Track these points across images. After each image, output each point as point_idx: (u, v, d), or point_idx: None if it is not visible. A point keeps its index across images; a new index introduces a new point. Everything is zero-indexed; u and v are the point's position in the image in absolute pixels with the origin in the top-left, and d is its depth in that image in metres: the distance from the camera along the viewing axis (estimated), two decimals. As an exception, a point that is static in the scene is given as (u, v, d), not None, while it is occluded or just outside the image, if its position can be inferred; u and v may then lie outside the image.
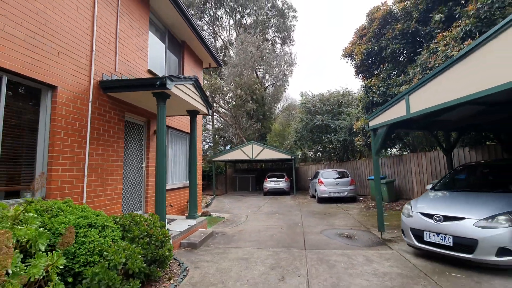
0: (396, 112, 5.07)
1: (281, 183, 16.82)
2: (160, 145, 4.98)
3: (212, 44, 34.34)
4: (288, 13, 35.19)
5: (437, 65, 5.56)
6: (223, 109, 29.96)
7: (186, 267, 4.05)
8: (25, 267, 2.00)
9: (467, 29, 5.08)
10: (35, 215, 2.47)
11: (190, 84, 5.79)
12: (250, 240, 5.79)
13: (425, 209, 4.33)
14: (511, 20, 2.78)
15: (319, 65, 74.31)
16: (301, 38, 68.45)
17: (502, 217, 3.58)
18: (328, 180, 12.43)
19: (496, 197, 4.06)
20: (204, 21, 34.01)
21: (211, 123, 33.26)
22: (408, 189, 11.12)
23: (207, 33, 34.59)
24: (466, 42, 4.99)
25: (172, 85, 4.85)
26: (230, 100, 28.55)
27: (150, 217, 3.74)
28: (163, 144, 5.01)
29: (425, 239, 4.13)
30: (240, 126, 26.96)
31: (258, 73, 31.53)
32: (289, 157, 17.32)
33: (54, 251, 2.28)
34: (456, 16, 6.01)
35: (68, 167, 4.19)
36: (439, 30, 6.48)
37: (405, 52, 7.58)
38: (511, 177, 4.59)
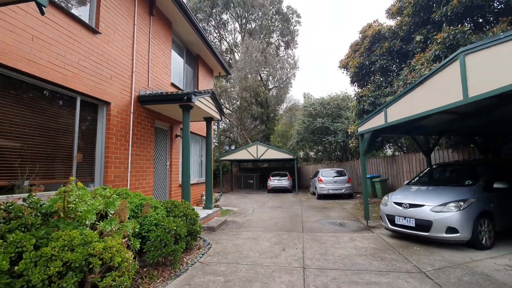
0: (377, 121, 6.21)
1: (284, 182, 17.95)
2: (186, 148, 6.19)
3: (218, 47, 35.60)
4: (292, 18, 36.18)
5: (413, 81, 6.67)
6: (228, 110, 31.14)
7: (209, 243, 5.25)
8: (120, 226, 3.19)
9: (436, 53, 6.18)
10: (117, 196, 3.67)
11: (208, 96, 6.99)
12: (257, 226, 6.97)
13: (397, 199, 5.47)
14: (445, 62, 3.90)
15: (322, 65, 75.19)
16: (304, 39, 69.47)
17: (451, 204, 4.70)
18: (327, 179, 13.54)
19: (451, 190, 5.18)
20: (210, 25, 35.21)
21: (217, 124, 34.50)
22: (399, 186, 12.19)
23: (213, 36, 35.82)
24: (434, 64, 6.10)
25: (195, 99, 6.05)
26: (235, 102, 29.78)
27: (183, 203, 4.93)
28: (188, 147, 6.22)
29: (395, 222, 5.28)
30: (245, 127, 28.17)
31: (262, 75, 32.66)
32: (291, 157, 18.43)
33: (132, 219, 3.48)
34: (429, 41, 7.11)
35: (118, 165, 5.41)
36: (419, 49, 7.56)
37: (391, 67, 8.70)
38: (467, 174, 5.71)
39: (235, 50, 36.01)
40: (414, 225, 4.95)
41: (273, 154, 18.54)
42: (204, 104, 6.84)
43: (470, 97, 3.81)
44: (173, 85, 7.89)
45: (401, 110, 5.33)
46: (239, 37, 35.88)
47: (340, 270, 3.81)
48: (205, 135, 8.86)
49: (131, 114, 5.85)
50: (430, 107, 4.49)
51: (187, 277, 3.60)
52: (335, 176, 13.63)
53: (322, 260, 4.26)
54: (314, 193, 15.15)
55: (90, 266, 2.49)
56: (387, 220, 5.54)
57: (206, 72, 10.89)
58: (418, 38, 7.57)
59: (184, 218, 4.44)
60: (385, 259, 4.24)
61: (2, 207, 2.59)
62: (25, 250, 2.36)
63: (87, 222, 2.84)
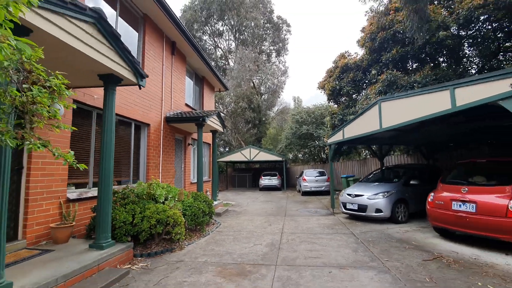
0: (339, 137, 8.66)
1: (274, 181, 20.35)
2: (200, 154, 8.49)
3: (213, 54, 37.77)
4: (282, 27, 38.59)
5: (366, 106, 9.14)
6: (222, 114, 33.26)
7: (219, 222, 7.58)
8: (175, 204, 5.48)
9: (380, 89, 8.67)
10: (162, 186, 5.96)
11: (215, 115, 9.31)
12: (252, 213, 9.33)
13: (348, 191, 7.94)
14: (371, 105, 6.36)
15: (311, 67, 78.16)
16: (294, 43, 72.33)
17: (379, 194, 7.17)
18: (310, 178, 16.00)
19: (382, 185, 7.66)
20: (206, 33, 37.26)
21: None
22: (368, 184, 14.77)
23: (209, 44, 37.91)
24: (378, 96, 8.59)
25: (207, 119, 8.36)
26: (229, 105, 32.00)
27: (202, 194, 7.24)
28: (201, 153, 8.52)
29: (347, 207, 7.73)
30: (239, 130, 30.49)
31: (255, 81, 34.94)
32: (280, 159, 20.85)
33: (177, 202, 5.78)
34: (380, 73, 9.66)
35: (154, 167, 7.66)
36: (374, 79, 10.05)
37: (354, 93, 11.21)
38: (397, 175, 8.22)
39: (229, 56, 38.19)
40: (357, 208, 7.41)
41: (264, 156, 20.91)
42: (212, 121, 9.14)
43: (383, 128, 6.28)
44: (186, 105, 10.16)
45: (351, 130, 7.79)
46: (233, 44, 38.07)
47: (303, 233, 6.21)
48: (210, 143, 11.15)
49: (161, 131, 8.11)
50: (365, 131, 6.97)
51: (210, 237, 5.93)
52: (316, 176, 16.09)
53: (294, 229, 6.65)
54: (299, 191, 17.58)
55: (167, 222, 4.79)
56: (342, 206, 8.00)
57: (209, 90, 13.17)
58: (373, 71, 10.09)
59: (205, 202, 6.75)
60: (334, 228, 6.67)
61: (120, 192, 4.87)
62: (135, 213, 4.64)
63: (160, 200, 5.13)
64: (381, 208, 7.03)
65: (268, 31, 37.61)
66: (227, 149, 32.94)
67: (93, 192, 5.26)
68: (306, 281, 3.49)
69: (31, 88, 1.96)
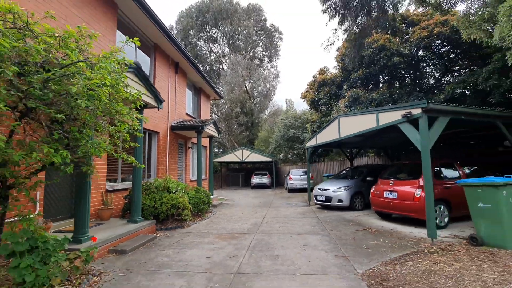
0: (313, 142, 10.60)
1: (264, 180, 22.23)
2: (199, 156, 10.32)
3: (208, 58, 39.48)
4: (275, 34, 40.49)
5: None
6: (216, 116, 34.97)
7: (215, 211, 9.43)
8: (183, 194, 7.32)
9: (347, 103, 10.65)
10: (173, 181, 7.78)
11: (212, 124, 11.15)
12: (242, 205, 11.20)
13: (320, 186, 9.89)
14: (333, 118, 8.31)
15: (304, 67, 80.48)
16: (287, 43, 74.58)
17: (341, 188, 9.13)
18: (295, 176, 17.93)
19: (345, 181, 9.62)
20: (201, 39, 38.91)
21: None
22: (345, 182, 16.79)
23: (204, 49, 39.55)
24: (346, 110, 10.55)
25: (206, 127, 10.21)
26: (223, 109, 33.76)
27: (202, 188, 9.08)
28: (200, 156, 10.35)
29: (318, 199, 9.68)
30: (232, 133, 32.28)
31: (248, 85, 36.74)
32: (270, 159, 22.76)
33: (184, 193, 7.62)
34: (351, 88, 11.68)
35: (162, 167, 9.45)
36: (346, 93, 12.03)
37: (329, 104, 13.22)
38: (358, 173, 10.20)
39: (223, 60, 39.92)
40: (325, 199, 9.36)
41: (256, 157, 22.78)
42: (209, 129, 10.98)
43: (341, 137, 8.24)
44: (187, 114, 11.96)
45: (322, 137, 9.75)
46: (226, 49, 39.79)
47: (280, 218, 8.11)
48: (207, 146, 12.98)
49: (168, 137, 9.91)
50: (330, 138, 8.92)
51: (209, 220, 7.78)
52: (301, 175, 18.03)
53: (274, 215, 8.56)
54: (286, 188, 19.50)
55: (178, 206, 6.61)
56: (314, 198, 9.94)
57: (206, 99, 14.99)
58: (345, 87, 12.09)
59: (204, 194, 8.60)
60: (305, 214, 8.60)
61: (144, 185, 6.68)
62: (156, 200, 6.46)
63: (172, 191, 6.96)
64: (342, 199, 8.99)
65: (261, 37, 39.42)
66: (221, 150, 34.66)
67: (121, 185, 7.07)
68: (273, 240, 5.38)
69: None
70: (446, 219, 6.19)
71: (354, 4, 8.90)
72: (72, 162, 2.98)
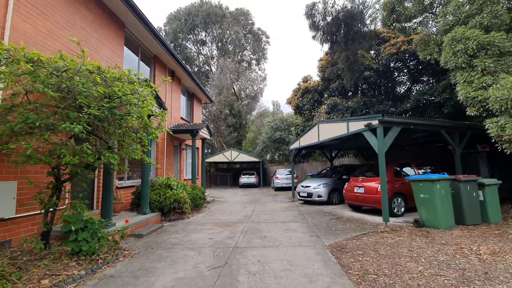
0: (297, 144, 11.87)
1: (252, 179, 23.36)
2: (193, 157, 11.33)
3: (196, 60, 40.20)
4: (262, 38, 41.74)
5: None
6: (204, 117, 35.74)
7: (209, 206, 10.48)
8: (183, 190, 8.35)
9: (326, 110, 12.01)
10: (174, 179, 8.80)
11: (205, 127, 12.19)
12: (232, 202, 12.31)
13: (302, 184, 11.16)
14: (313, 124, 9.59)
15: (291, 67, 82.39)
16: (276, 45, 76.14)
17: (321, 185, 10.44)
18: (281, 176, 19.20)
19: (324, 179, 10.95)
20: (190, 41, 39.57)
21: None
22: (327, 181, 18.25)
23: (193, 51, 40.21)
24: (326, 116, 11.89)
25: (200, 131, 11.24)
26: (212, 110, 34.61)
27: (197, 186, 10.12)
28: (195, 156, 11.37)
29: (300, 195, 10.95)
30: (221, 134, 33.22)
31: (236, 87, 37.76)
32: (258, 160, 23.94)
33: (183, 190, 8.66)
34: (331, 95, 13.07)
35: (160, 167, 10.40)
36: (326, 101, 13.42)
37: (312, 110, 14.61)
38: (336, 172, 11.57)
39: (211, 63, 40.76)
40: (306, 195, 10.64)
41: (244, 157, 23.88)
42: (203, 132, 12.01)
43: (320, 140, 9.53)
44: (182, 118, 12.93)
45: (304, 141, 11.03)
46: (215, 51, 40.66)
47: (267, 211, 9.29)
48: (200, 147, 13.98)
49: (165, 140, 10.86)
50: (311, 142, 10.21)
51: (205, 213, 8.84)
52: (287, 174, 19.32)
53: (261, 209, 9.73)
54: (273, 187, 20.75)
55: (180, 200, 7.65)
56: (297, 194, 11.21)
57: (198, 103, 15.97)
58: (326, 95, 13.46)
59: (200, 191, 9.65)
60: (289, 208, 9.83)
61: (150, 182, 7.67)
62: (160, 195, 7.47)
63: (174, 188, 7.99)
64: (321, 195, 10.29)
65: (249, 40, 40.53)
66: (209, 151, 35.51)
67: (128, 183, 8.01)
68: (261, 227, 6.54)
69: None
70: (402, 209, 7.59)
71: (341, 36, 10.27)
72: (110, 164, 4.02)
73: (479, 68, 5.93)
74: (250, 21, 40.34)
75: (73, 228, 3.84)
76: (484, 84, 5.89)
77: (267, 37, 42.37)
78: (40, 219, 4.72)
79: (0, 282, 2.83)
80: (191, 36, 39.07)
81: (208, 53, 41.39)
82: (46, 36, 5.30)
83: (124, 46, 8.23)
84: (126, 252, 4.45)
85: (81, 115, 3.12)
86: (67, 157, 3.18)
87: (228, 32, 36.16)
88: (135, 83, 3.80)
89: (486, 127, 5.84)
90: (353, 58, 10.60)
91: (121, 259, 4.13)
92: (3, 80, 3.21)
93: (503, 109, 5.45)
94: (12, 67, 3.12)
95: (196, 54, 40.71)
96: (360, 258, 4.00)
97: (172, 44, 35.76)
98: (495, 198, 6.29)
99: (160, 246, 4.90)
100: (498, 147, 5.78)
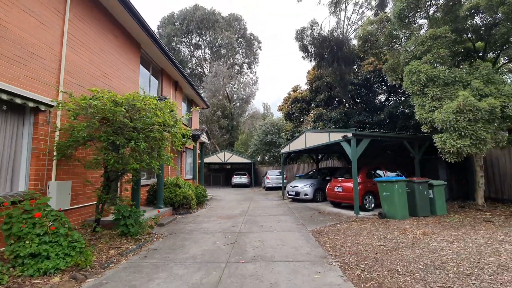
0: (287, 149, 13.41)
1: (243, 179, 24.78)
2: (194, 160, 12.67)
3: (190, 62, 41.25)
4: (254, 43, 43.22)
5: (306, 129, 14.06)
6: (199, 119, 36.77)
7: (209, 204, 11.86)
8: (189, 189, 9.72)
9: (313, 119, 13.62)
10: (182, 179, 10.15)
11: (204, 133, 13.55)
12: (228, 200, 13.72)
13: (291, 184, 12.71)
14: (301, 132, 11.16)
15: (283, 69, 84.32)
16: (268, 46, 77.80)
17: (307, 185, 12.02)
18: (272, 176, 20.71)
19: (310, 179, 12.53)
20: (184, 44, 40.59)
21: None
22: (313, 181, 19.92)
23: (187, 53, 41.21)
24: (312, 124, 13.47)
25: (201, 137, 12.60)
26: (205, 113, 35.76)
27: (200, 185, 11.47)
28: (195, 158, 12.72)
29: (289, 194, 12.49)
30: (214, 136, 34.45)
31: (228, 90, 39.05)
32: (250, 161, 25.38)
33: (189, 188, 10.03)
34: (318, 105, 14.69)
35: (165, 168, 11.69)
36: (313, 110, 15.02)
37: (301, 117, 16.24)
38: (321, 173, 13.18)
39: (204, 65, 41.91)
40: (294, 194, 12.20)
41: (236, 158, 25.26)
42: (203, 137, 13.36)
43: (307, 146, 11.10)
44: (183, 124, 14.20)
45: (293, 146, 12.59)
46: (208, 54, 41.80)
47: (261, 207, 10.77)
48: (198, 150, 15.31)
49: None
50: (299, 147, 11.77)
51: (207, 209, 10.22)
52: (277, 175, 20.82)
53: (255, 206, 11.20)
54: (264, 187, 22.23)
55: (188, 197, 9.02)
56: (287, 193, 12.75)
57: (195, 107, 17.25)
58: (313, 105, 15.08)
59: (202, 190, 11.01)
60: (279, 205, 11.34)
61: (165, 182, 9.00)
62: (171, 192, 8.81)
63: (182, 187, 9.34)
64: (307, 193, 11.87)
65: (241, 44, 41.93)
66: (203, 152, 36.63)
67: (143, 182, 9.30)
68: (258, 219, 8.01)
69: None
70: (372, 205, 9.24)
71: (329, 59, 11.89)
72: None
73: (429, 95, 7.63)
74: (243, 26, 41.72)
75: (124, 215, 5.18)
76: (432, 108, 7.59)
77: (259, 42, 43.88)
78: (83, 211, 6.05)
79: (85, 250, 4.17)
80: (185, 40, 40.10)
81: (201, 56, 42.51)
82: (86, 63, 6.58)
83: (140, 65, 9.51)
84: (157, 235, 5.81)
85: (140, 135, 4.50)
86: (133, 164, 4.57)
87: (221, 36, 37.40)
88: (173, 111, 5.18)
89: (434, 140, 7.54)
90: (340, 77, 12.25)
91: (155, 240, 5.50)
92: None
93: (444, 128, 7.15)
94: (99, 102, 4.53)
95: (189, 56, 41.75)
96: (332, 237, 5.54)
97: (166, 47, 36.65)
98: (442, 196, 8.01)
99: (181, 232, 6.28)
100: (442, 156, 7.49)
